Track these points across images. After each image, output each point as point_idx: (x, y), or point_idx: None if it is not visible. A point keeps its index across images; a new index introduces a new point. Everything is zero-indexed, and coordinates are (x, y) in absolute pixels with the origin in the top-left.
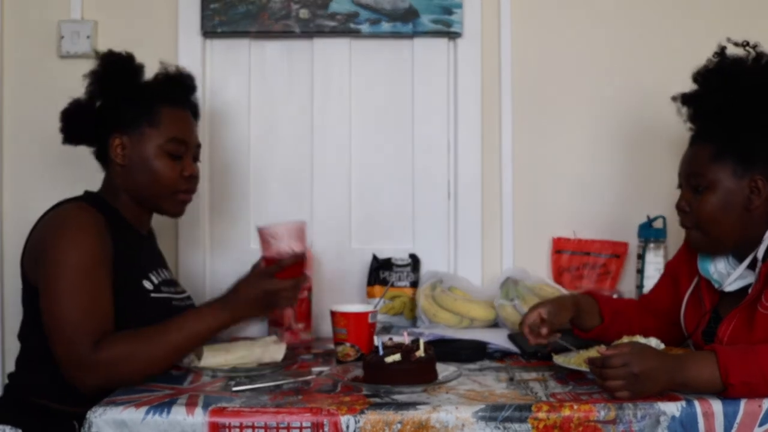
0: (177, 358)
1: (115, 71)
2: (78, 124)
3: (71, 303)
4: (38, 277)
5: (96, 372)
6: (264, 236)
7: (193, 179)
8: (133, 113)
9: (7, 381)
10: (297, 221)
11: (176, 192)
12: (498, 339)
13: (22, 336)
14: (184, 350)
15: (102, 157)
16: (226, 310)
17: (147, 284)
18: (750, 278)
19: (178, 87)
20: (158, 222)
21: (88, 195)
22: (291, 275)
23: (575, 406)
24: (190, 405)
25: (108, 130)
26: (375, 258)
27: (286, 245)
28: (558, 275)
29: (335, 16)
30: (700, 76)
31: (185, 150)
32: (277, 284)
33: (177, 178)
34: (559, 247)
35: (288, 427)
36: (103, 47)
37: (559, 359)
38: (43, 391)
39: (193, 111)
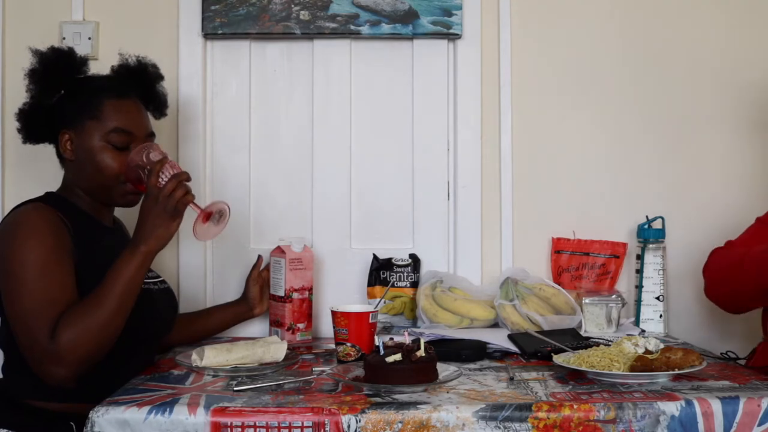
0: (126, 312)
1: (54, 68)
2: (33, 123)
3: (26, 301)
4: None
5: (62, 360)
6: (129, 175)
7: None
8: (77, 107)
9: None
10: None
11: (124, 182)
12: (498, 339)
13: (2, 342)
14: (129, 300)
15: (58, 154)
16: (141, 242)
17: None
18: None
19: (126, 78)
20: None
21: (47, 195)
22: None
23: (575, 406)
24: (192, 405)
25: (58, 127)
26: (375, 258)
27: (143, 162)
28: (557, 275)
29: (335, 18)
30: None
31: (131, 140)
32: (162, 190)
33: (122, 168)
34: (559, 247)
35: (289, 427)
36: (104, 48)
37: (559, 359)
38: (35, 394)
39: (149, 101)
